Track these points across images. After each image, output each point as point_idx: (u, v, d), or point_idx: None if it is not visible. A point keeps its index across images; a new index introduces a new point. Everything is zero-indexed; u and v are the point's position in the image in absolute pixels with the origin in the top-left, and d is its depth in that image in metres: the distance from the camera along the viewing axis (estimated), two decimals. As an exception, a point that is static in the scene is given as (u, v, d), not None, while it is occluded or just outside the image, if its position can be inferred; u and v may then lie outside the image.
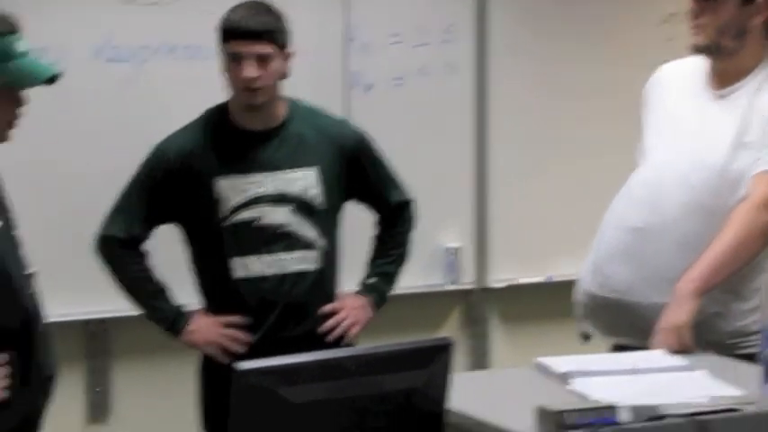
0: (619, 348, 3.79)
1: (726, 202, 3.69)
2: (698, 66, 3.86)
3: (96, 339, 4.72)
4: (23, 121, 3.68)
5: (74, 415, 4.72)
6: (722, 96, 3.80)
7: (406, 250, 4.25)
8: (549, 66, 5.11)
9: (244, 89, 3.97)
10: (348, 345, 4.04)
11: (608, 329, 3.86)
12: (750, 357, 3.31)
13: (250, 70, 3.94)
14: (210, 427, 4.07)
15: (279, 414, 2.74)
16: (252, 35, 3.95)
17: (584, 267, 3.91)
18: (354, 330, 4.11)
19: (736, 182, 3.70)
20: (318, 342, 3.98)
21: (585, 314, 3.90)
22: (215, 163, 4.01)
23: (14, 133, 3.64)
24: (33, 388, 3.52)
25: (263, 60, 3.95)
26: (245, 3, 4.01)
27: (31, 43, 4.40)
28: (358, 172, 4.13)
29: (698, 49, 3.80)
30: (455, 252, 5.04)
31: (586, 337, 3.91)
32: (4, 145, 3.71)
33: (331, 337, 4.06)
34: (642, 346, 3.60)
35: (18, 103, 3.46)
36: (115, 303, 4.43)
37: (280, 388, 2.74)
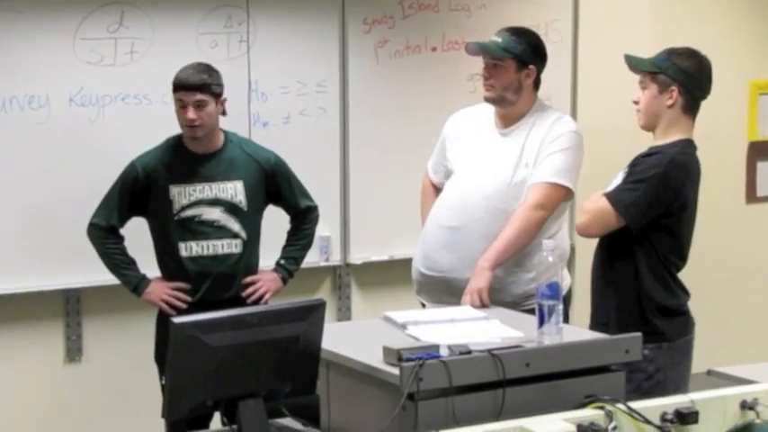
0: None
1: (511, 205, 3.71)
2: (485, 110, 3.87)
3: (72, 302, 4.62)
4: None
5: (55, 356, 4.61)
6: (504, 134, 3.81)
7: (309, 241, 4.24)
8: (391, 108, 5.10)
9: (187, 126, 3.93)
10: None
11: (435, 298, 3.81)
12: (532, 312, 3.32)
13: (191, 113, 3.90)
14: (160, 360, 4.01)
15: (202, 354, 2.73)
16: (192, 88, 3.91)
17: (415, 255, 3.88)
18: (267, 296, 4.09)
19: (517, 191, 3.72)
20: (242, 304, 3.95)
21: (419, 289, 3.88)
22: (170, 175, 3.96)
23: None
24: None
25: (200, 106, 3.91)
26: (191, 64, 3.99)
27: (26, 92, 4.37)
28: (275, 184, 4.10)
29: (489, 100, 3.81)
30: (327, 239, 5.03)
31: (423, 305, 3.86)
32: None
33: (250, 300, 4.04)
34: (457, 305, 3.60)
35: None
36: (85, 276, 4.38)
37: (202, 335, 2.72)
